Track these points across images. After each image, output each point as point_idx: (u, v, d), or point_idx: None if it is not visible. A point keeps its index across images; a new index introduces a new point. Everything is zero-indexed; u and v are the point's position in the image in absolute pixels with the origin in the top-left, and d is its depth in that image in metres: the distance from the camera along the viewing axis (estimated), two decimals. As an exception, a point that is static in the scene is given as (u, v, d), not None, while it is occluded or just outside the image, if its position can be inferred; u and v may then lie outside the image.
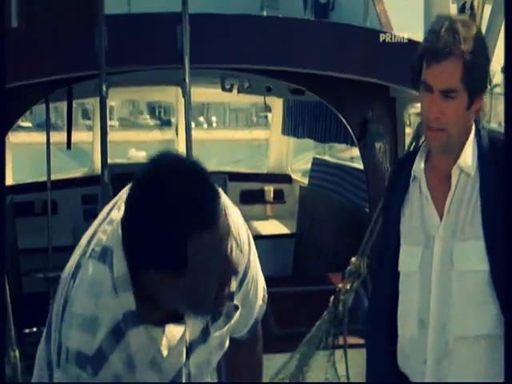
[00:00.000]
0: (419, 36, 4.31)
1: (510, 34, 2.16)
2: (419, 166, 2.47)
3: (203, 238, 1.53)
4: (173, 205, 1.52)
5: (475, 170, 2.37)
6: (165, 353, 1.70)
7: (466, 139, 2.39)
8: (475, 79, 2.30)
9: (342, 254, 5.60)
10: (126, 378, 1.65)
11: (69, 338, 1.64)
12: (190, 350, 1.78)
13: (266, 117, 9.02)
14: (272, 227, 7.99)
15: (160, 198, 1.53)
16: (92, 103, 8.15)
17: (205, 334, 1.82)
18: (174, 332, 1.73)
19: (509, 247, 2.12)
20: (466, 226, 2.36)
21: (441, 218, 2.40)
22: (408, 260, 2.47)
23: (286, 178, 8.62)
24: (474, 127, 2.42)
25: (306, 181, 8.08)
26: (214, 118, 54.49)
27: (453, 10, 4.05)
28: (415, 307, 2.44)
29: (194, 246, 1.52)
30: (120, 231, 1.63)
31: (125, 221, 1.61)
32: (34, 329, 4.62)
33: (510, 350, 2.02)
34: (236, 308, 1.91)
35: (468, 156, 2.38)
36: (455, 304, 2.37)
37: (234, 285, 1.86)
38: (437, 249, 2.39)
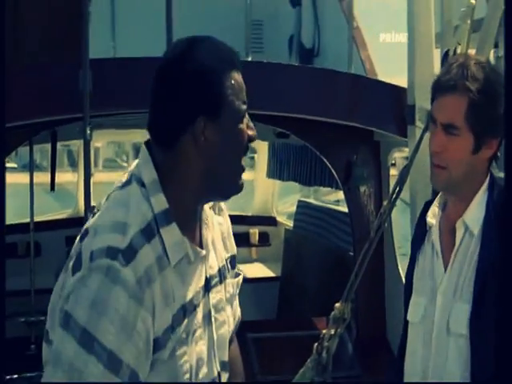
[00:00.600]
0: (403, 82, 4.35)
1: (510, 34, 2.12)
2: (433, 213, 2.39)
3: (233, 78, 1.74)
4: (206, 59, 1.73)
5: (479, 229, 2.26)
6: (192, 258, 1.75)
7: (477, 189, 2.29)
8: (481, 121, 2.20)
9: (327, 297, 5.57)
10: (154, 277, 1.66)
11: (94, 242, 1.64)
12: (208, 283, 1.83)
13: (253, 158, 9.02)
14: (257, 270, 7.94)
15: (192, 53, 1.74)
16: (77, 144, 8.14)
17: (220, 276, 1.89)
18: (197, 247, 1.79)
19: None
20: (465, 285, 2.27)
21: (446, 272, 2.31)
22: (414, 310, 2.41)
23: (272, 221, 8.59)
24: (488, 179, 2.30)
25: (291, 224, 8.06)
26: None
27: (436, 56, 4.09)
28: (419, 359, 2.36)
29: (227, 86, 1.73)
30: (145, 154, 1.77)
31: (160, 86, 1.74)
32: (15, 375, 4.54)
33: (510, 350, 1.97)
34: (238, 273, 2.07)
35: (474, 211, 2.28)
36: (449, 365, 2.28)
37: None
38: (439, 303, 2.31)
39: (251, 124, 1.80)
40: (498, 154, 2.30)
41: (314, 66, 6.12)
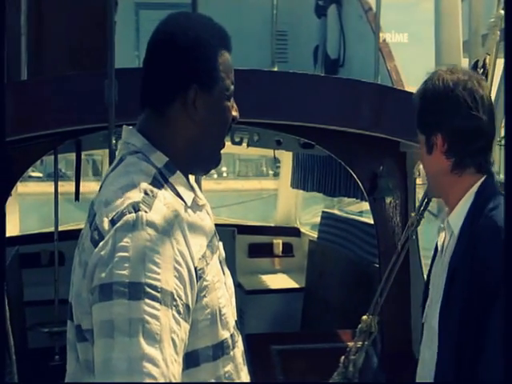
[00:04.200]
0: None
1: (510, 36, 2.13)
2: (443, 217, 2.49)
3: (225, 57, 1.84)
4: (202, 33, 1.82)
5: (458, 230, 2.34)
6: (199, 202, 1.84)
7: (459, 190, 2.36)
8: (424, 122, 2.39)
9: (351, 309, 5.52)
10: (177, 212, 1.69)
11: (109, 211, 1.65)
12: (216, 233, 1.91)
13: (279, 167, 9.08)
14: (280, 281, 7.91)
15: (189, 28, 1.81)
16: (101, 154, 8.16)
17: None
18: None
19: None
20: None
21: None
22: (425, 312, 2.47)
23: (295, 232, 8.56)
24: (478, 184, 2.35)
25: (315, 234, 8.03)
26: (224, 169, 54.75)
27: (464, 65, 4.04)
28: (424, 360, 2.41)
29: (220, 62, 1.82)
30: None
31: (156, 56, 1.82)
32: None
33: (509, 349, 1.95)
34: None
35: (457, 213, 2.36)
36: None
37: None
38: (433, 303, 2.38)
39: (236, 106, 1.89)
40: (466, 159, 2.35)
41: (340, 77, 6.09)
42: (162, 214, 1.64)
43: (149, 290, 1.55)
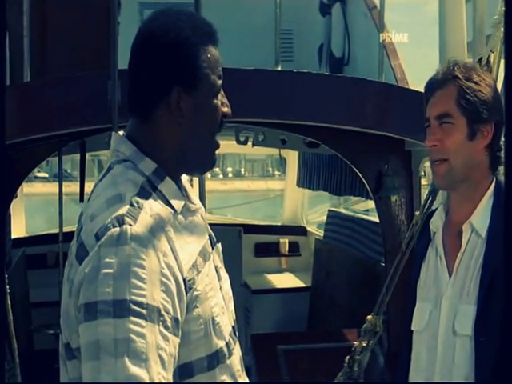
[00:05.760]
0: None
1: (510, 35, 2.11)
2: (437, 219, 2.38)
3: (209, 52, 1.75)
4: (183, 31, 1.73)
5: (486, 231, 2.23)
6: (191, 208, 1.78)
7: (480, 188, 2.28)
8: (472, 104, 2.22)
9: (357, 308, 5.51)
10: (165, 223, 1.65)
11: (95, 225, 1.60)
12: (211, 238, 1.87)
13: (285, 167, 9.11)
14: (287, 280, 7.91)
15: (168, 27, 1.73)
16: (107, 154, 8.15)
17: (211, 238, 1.88)
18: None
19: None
20: (471, 288, 2.23)
21: (450, 276, 2.29)
22: (418, 318, 2.38)
23: (301, 231, 8.56)
24: (493, 184, 2.28)
25: (321, 233, 8.02)
26: (229, 169, 54.81)
27: (469, 64, 4.02)
28: (422, 367, 2.33)
29: (203, 59, 1.74)
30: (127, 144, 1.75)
31: (137, 58, 1.75)
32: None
33: (508, 350, 1.91)
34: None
35: (480, 214, 2.26)
36: (456, 369, 2.23)
37: None
38: (443, 308, 2.28)
39: (226, 100, 1.81)
40: (501, 156, 2.27)
41: (344, 75, 6.08)
42: (147, 227, 1.60)
43: (134, 307, 1.51)
